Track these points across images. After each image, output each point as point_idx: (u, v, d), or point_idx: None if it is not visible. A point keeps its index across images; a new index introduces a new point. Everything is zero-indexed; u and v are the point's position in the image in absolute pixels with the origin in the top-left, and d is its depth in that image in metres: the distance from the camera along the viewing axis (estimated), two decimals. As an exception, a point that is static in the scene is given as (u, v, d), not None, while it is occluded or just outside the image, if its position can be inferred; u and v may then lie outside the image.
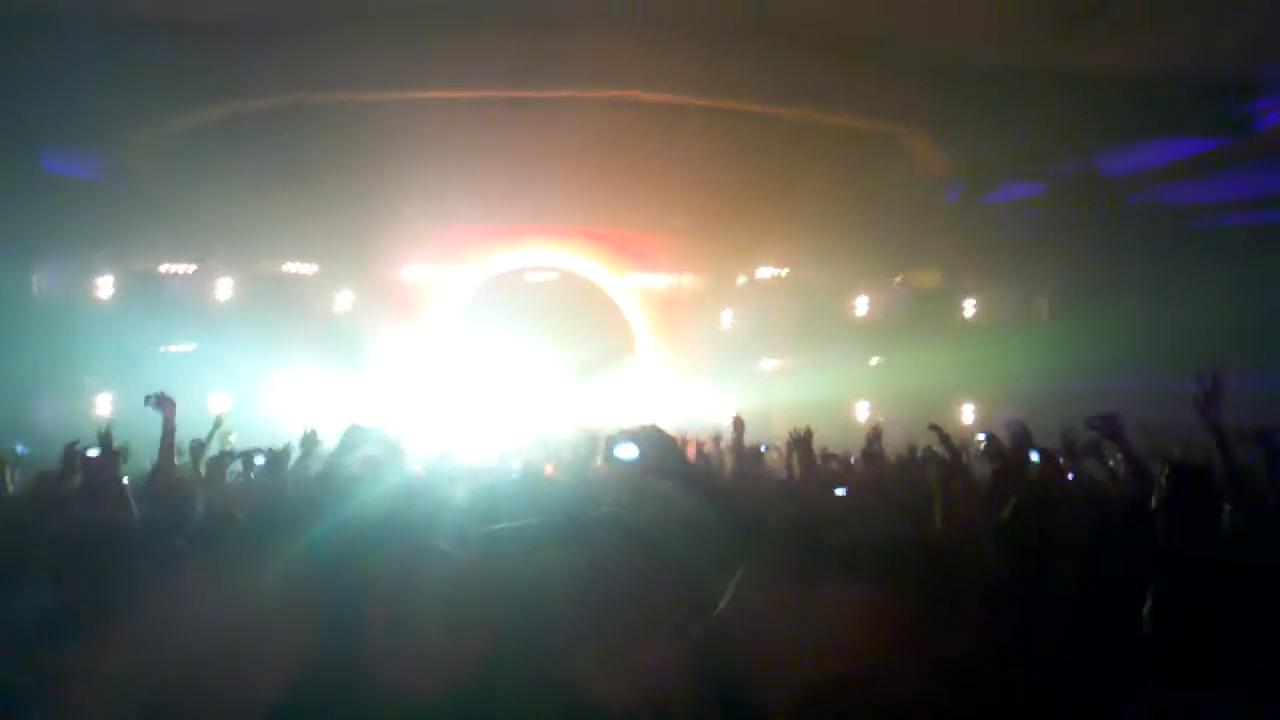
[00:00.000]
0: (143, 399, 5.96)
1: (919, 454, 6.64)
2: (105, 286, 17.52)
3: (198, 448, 6.89)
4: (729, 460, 8.23)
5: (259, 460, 8.08)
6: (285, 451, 8.07)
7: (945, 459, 5.90)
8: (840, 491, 6.04)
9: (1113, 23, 12.48)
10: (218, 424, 8.24)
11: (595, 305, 19.80)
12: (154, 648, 3.21)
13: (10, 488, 7.04)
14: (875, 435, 7.99)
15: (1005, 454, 5.56)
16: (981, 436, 5.93)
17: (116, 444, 7.93)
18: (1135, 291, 15.26)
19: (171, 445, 5.81)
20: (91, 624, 3.34)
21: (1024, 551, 3.49)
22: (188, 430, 6.72)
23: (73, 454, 6.61)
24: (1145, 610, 3.05)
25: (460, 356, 18.88)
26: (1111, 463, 5.88)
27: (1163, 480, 3.94)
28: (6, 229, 14.57)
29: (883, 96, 15.07)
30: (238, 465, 8.08)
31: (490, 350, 18.55)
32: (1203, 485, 3.98)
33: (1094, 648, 3.06)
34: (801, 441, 7.06)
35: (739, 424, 7.81)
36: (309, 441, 8.64)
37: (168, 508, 4.93)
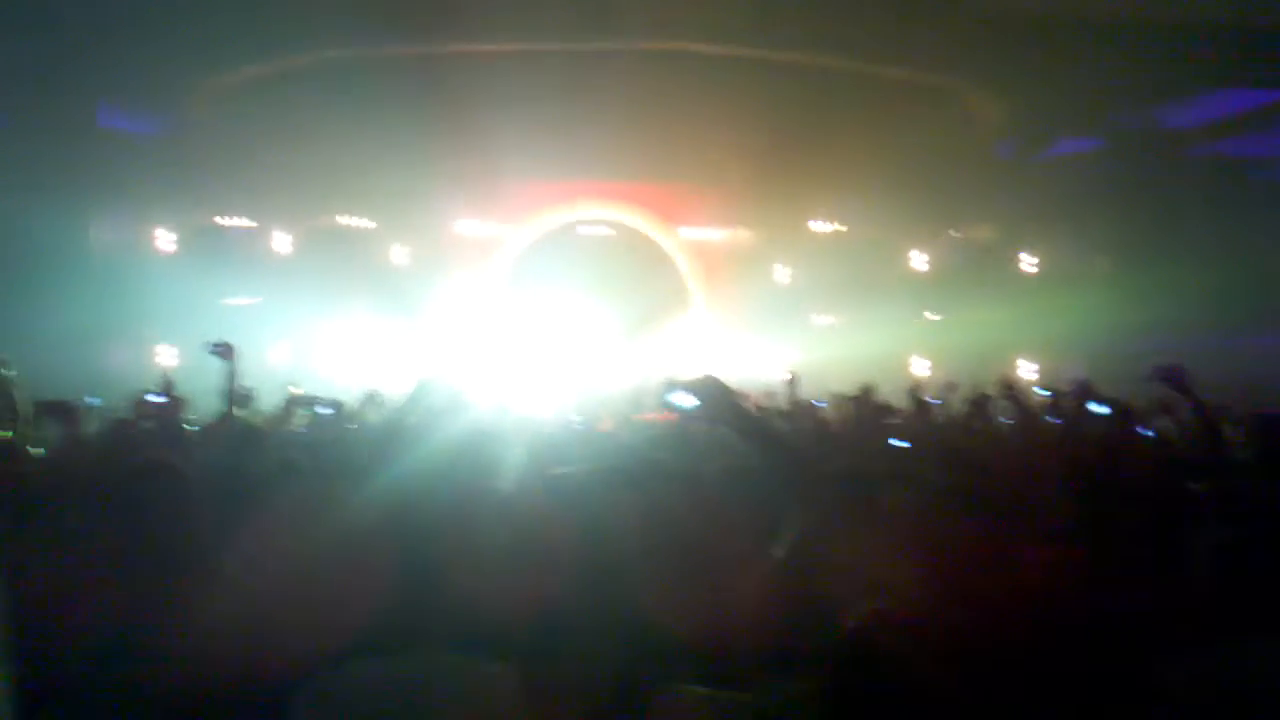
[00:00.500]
0: (204, 347, 6.01)
1: (982, 405, 6.58)
2: (165, 240, 17.77)
3: (244, 397, 6.89)
4: (783, 412, 8.22)
5: (323, 410, 8.18)
6: (346, 403, 8.18)
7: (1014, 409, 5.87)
8: (901, 443, 6.03)
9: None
10: (291, 401, 8.29)
11: (650, 259, 19.79)
12: (217, 588, 3.29)
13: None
14: (916, 388, 7.89)
15: (1069, 409, 5.52)
16: (1044, 393, 5.87)
17: (178, 392, 8.08)
18: (1197, 246, 15.01)
19: (234, 392, 5.88)
20: (157, 563, 3.43)
21: (1091, 502, 3.47)
22: (247, 381, 6.79)
23: (143, 402, 6.72)
24: (1210, 561, 3.03)
25: (516, 310, 18.96)
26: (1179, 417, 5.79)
27: (1247, 431, 3.88)
28: (67, 183, 14.79)
29: (938, 48, 14.86)
30: (303, 413, 8.17)
31: (546, 304, 18.61)
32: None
33: (1155, 598, 3.05)
34: (862, 397, 7.05)
35: (794, 378, 7.81)
36: (370, 395, 8.76)
37: (232, 453, 5.01)
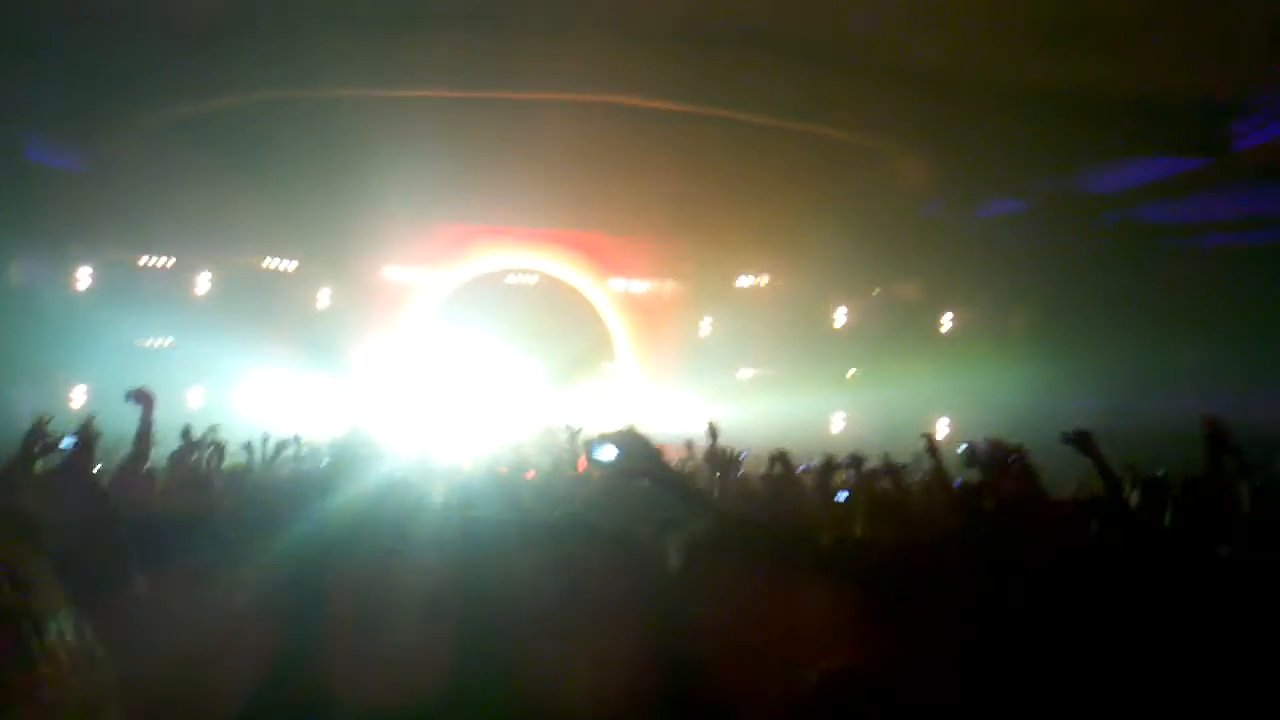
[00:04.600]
0: (121, 394, 5.89)
1: (896, 464, 6.66)
2: (84, 278, 17.41)
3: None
4: (704, 465, 8.22)
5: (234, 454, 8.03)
6: (253, 449, 8.04)
7: (932, 468, 5.95)
8: (841, 496, 6.14)
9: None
10: (211, 434, 8.08)
11: (575, 309, 19.78)
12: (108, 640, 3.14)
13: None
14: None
15: (985, 465, 5.57)
16: (963, 447, 5.93)
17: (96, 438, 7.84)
18: (1113, 308, 15.31)
19: (147, 440, 5.75)
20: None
21: (989, 560, 3.49)
22: (163, 426, 6.62)
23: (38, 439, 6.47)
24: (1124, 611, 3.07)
25: (439, 357, 18.83)
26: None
27: (1174, 495, 3.92)
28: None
29: (868, 109, 15.11)
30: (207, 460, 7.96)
31: (469, 352, 18.51)
32: (1211, 499, 3.96)
33: (1052, 651, 3.07)
34: (781, 456, 7.14)
35: (713, 430, 7.78)
36: (281, 443, 8.60)
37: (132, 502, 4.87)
